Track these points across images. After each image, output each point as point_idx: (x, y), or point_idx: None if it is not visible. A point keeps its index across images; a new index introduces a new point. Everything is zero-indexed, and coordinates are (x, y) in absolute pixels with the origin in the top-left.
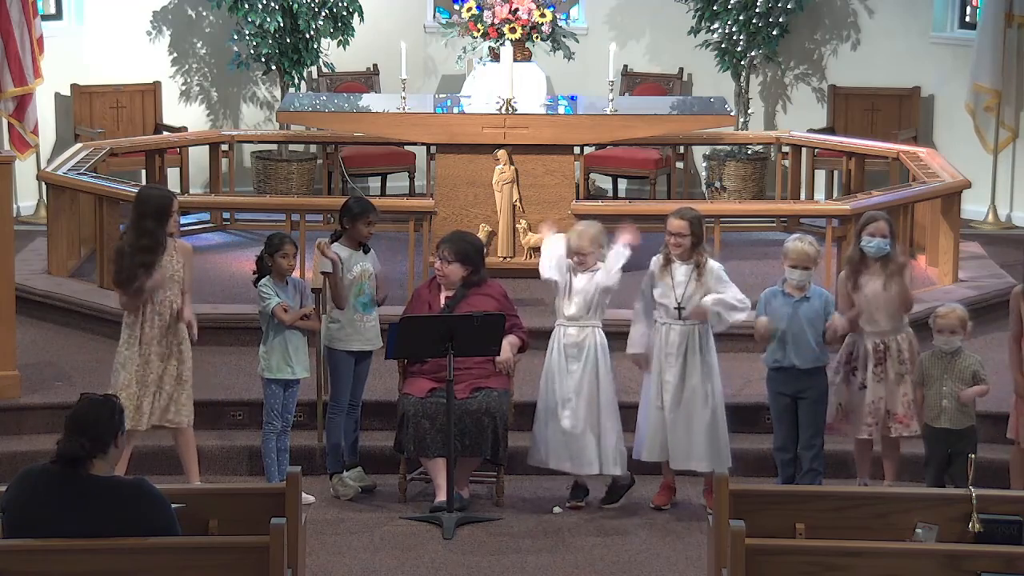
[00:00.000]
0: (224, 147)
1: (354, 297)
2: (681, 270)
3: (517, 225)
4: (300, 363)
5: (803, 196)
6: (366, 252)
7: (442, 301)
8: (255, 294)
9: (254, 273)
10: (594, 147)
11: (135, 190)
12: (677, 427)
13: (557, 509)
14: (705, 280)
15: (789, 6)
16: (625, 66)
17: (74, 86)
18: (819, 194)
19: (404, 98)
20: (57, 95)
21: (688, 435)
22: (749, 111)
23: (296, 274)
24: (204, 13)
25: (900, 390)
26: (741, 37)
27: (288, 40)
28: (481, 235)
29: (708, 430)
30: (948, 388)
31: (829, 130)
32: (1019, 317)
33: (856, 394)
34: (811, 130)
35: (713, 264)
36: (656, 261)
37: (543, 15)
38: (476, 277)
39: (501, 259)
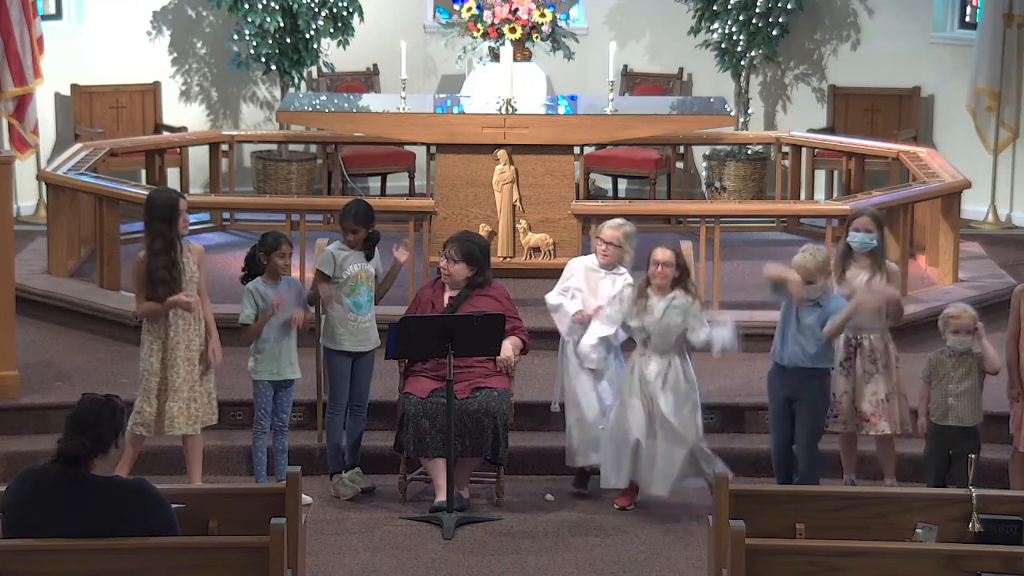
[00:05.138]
0: (224, 147)
1: (348, 296)
2: (658, 307)
3: (517, 225)
4: (291, 364)
5: (803, 196)
6: (369, 257)
7: (445, 301)
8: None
9: (243, 271)
10: (594, 147)
11: (135, 190)
12: (660, 454)
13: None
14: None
15: (789, 6)
16: (625, 66)
17: (74, 86)
18: (819, 194)
19: (404, 98)
20: (57, 95)
21: (681, 462)
22: (749, 111)
23: (296, 274)
24: (204, 13)
25: (869, 389)
26: (741, 37)
27: (288, 40)
28: (482, 237)
29: (694, 453)
30: (955, 387)
31: (829, 130)
32: (1018, 316)
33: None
34: (811, 130)
35: (691, 300)
36: (629, 297)
37: (543, 15)
38: (481, 278)
39: (501, 259)
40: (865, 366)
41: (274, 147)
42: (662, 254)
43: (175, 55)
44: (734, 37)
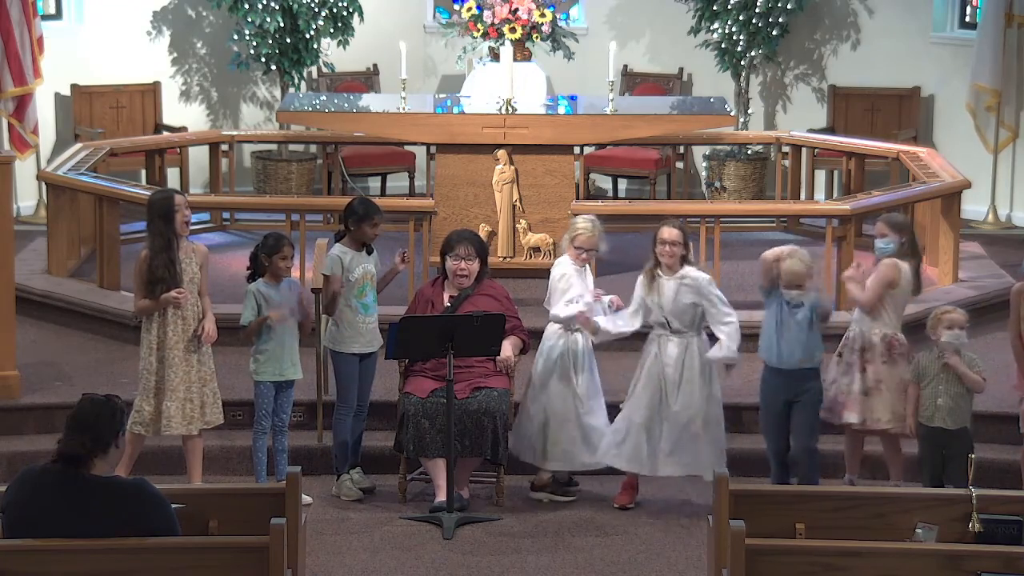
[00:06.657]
0: (224, 147)
1: (356, 298)
2: (669, 285)
3: (517, 225)
4: (292, 364)
5: (803, 196)
6: (369, 253)
7: (445, 300)
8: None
9: (248, 270)
10: (594, 147)
11: (135, 190)
12: (680, 434)
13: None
14: (688, 290)
15: (789, 6)
16: (625, 66)
17: (74, 86)
18: (819, 194)
19: (404, 98)
20: (57, 95)
21: (692, 442)
22: (749, 111)
23: (295, 274)
24: (204, 13)
25: (876, 383)
26: (741, 37)
27: (288, 40)
28: (481, 235)
29: (708, 436)
30: (944, 387)
31: (829, 130)
32: (1019, 316)
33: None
34: (811, 130)
35: (700, 276)
36: (641, 281)
37: (543, 15)
38: (485, 272)
39: (501, 259)
40: (875, 361)
41: (274, 147)
42: (668, 233)
43: (175, 55)
44: (734, 37)
